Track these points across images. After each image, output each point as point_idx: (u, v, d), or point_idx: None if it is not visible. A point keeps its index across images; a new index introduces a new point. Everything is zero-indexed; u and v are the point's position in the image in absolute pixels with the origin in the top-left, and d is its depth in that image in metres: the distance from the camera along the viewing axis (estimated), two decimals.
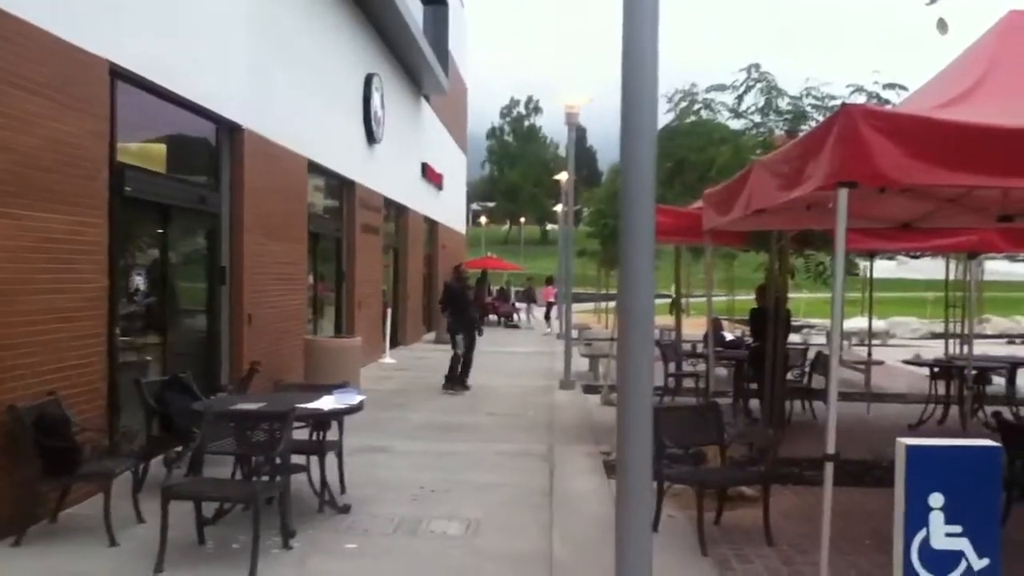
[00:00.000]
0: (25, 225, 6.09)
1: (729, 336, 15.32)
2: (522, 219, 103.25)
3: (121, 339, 7.75)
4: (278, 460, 5.89)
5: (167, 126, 9.22)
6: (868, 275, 14.32)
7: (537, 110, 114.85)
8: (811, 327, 21.46)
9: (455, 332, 13.95)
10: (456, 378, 13.81)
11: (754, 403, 10.73)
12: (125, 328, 7.95)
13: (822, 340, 18.97)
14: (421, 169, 23.25)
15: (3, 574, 5.30)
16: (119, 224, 7.46)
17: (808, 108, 10.15)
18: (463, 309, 14.15)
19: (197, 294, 9.95)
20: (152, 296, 8.70)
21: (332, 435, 7.03)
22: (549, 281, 33.73)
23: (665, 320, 16.81)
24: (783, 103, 10.33)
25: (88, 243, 6.93)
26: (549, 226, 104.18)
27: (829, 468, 4.42)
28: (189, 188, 9.52)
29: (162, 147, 9.19)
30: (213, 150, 10.14)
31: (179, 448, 7.10)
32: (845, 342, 16.89)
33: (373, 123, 16.87)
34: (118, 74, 7.44)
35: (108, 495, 5.88)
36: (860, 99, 9.48)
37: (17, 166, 6.00)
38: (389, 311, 19.00)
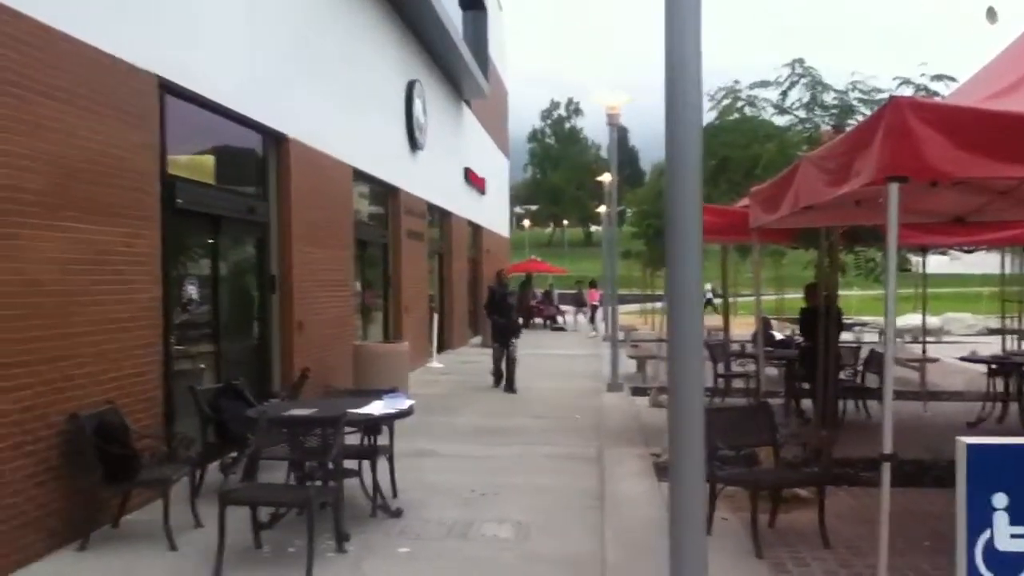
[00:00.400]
0: (80, 238, 6.25)
1: (779, 335, 15.12)
2: (565, 221, 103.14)
3: (175, 348, 7.90)
4: (331, 465, 5.96)
5: (214, 138, 9.39)
6: (921, 271, 14.03)
7: (577, 112, 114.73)
8: (863, 325, 21.08)
9: (495, 336, 14.72)
10: (500, 375, 14.47)
11: (806, 403, 10.58)
12: (179, 337, 8.10)
13: (875, 338, 18.62)
14: (463, 174, 23.36)
15: None
16: (171, 235, 7.61)
17: (854, 102, 9.99)
18: (504, 313, 14.73)
19: (248, 302, 10.12)
20: (204, 305, 8.86)
21: (382, 439, 7.09)
22: (593, 284, 33.63)
23: (712, 320, 16.63)
24: (828, 98, 10.18)
25: (141, 254, 7.08)
26: (592, 227, 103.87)
27: (886, 468, 4.34)
28: (238, 199, 9.68)
29: (210, 159, 9.36)
30: (260, 160, 10.31)
31: (234, 454, 7.23)
32: (899, 339, 16.57)
33: (415, 129, 17.00)
34: (167, 88, 7.59)
35: (167, 501, 6.01)
36: (908, 92, 9.30)
37: (71, 180, 6.15)
38: (436, 316, 19.11)
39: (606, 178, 27.16)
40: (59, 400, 5.95)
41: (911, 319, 19.28)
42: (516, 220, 72.62)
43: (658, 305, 26.36)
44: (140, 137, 7.11)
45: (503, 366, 14.43)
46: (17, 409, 5.54)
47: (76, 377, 6.17)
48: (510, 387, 14.15)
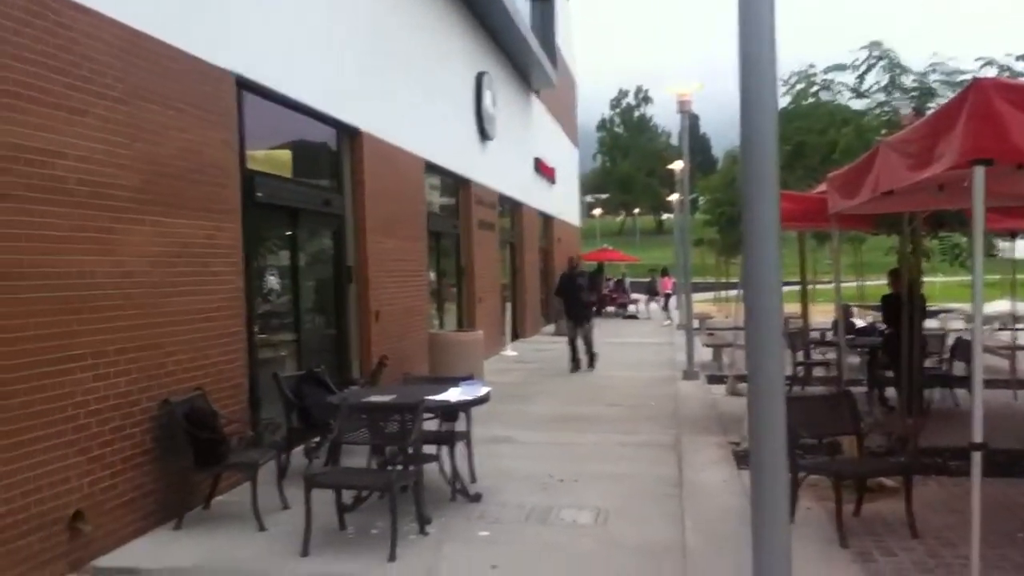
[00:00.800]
0: (167, 231, 6.48)
1: (860, 323, 14.76)
2: (636, 209, 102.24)
3: (258, 336, 8.12)
4: (410, 450, 6.07)
5: (291, 133, 9.59)
6: (1010, 256, 13.52)
7: (647, 100, 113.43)
8: (948, 312, 20.41)
9: (568, 319, 15.28)
10: (577, 360, 15.09)
11: (890, 391, 10.32)
12: (261, 326, 8.33)
13: (961, 325, 18.02)
14: (533, 164, 23.37)
15: (170, 555, 5.67)
16: (251, 228, 7.82)
17: (935, 85, 9.66)
18: (574, 297, 15.12)
19: (326, 292, 10.34)
20: (284, 295, 9.09)
21: (459, 426, 7.18)
22: (665, 272, 33.30)
23: (790, 308, 16.31)
24: (908, 80, 9.87)
25: (224, 247, 7.30)
26: (664, 215, 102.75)
27: (977, 458, 4.23)
28: (314, 191, 9.89)
29: (287, 153, 9.58)
30: (334, 154, 10.50)
31: (317, 439, 7.42)
32: (987, 327, 15.99)
33: (485, 121, 17.07)
34: (244, 85, 7.79)
35: (255, 483, 6.21)
36: (991, 73, 8.97)
37: (158, 176, 6.39)
38: (508, 305, 19.21)
39: (677, 166, 26.85)
40: (152, 387, 6.20)
41: (999, 305, 18.54)
42: (586, 209, 72.31)
43: (732, 293, 26.00)
44: (221, 134, 7.32)
45: (579, 350, 15.08)
46: (115, 395, 5.79)
47: (167, 365, 6.41)
48: (591, 363, 15.13)
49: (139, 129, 6.16)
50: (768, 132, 3.35)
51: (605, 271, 35.33)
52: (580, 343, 15.10)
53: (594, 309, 16.20)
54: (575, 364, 15.12)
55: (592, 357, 15.17)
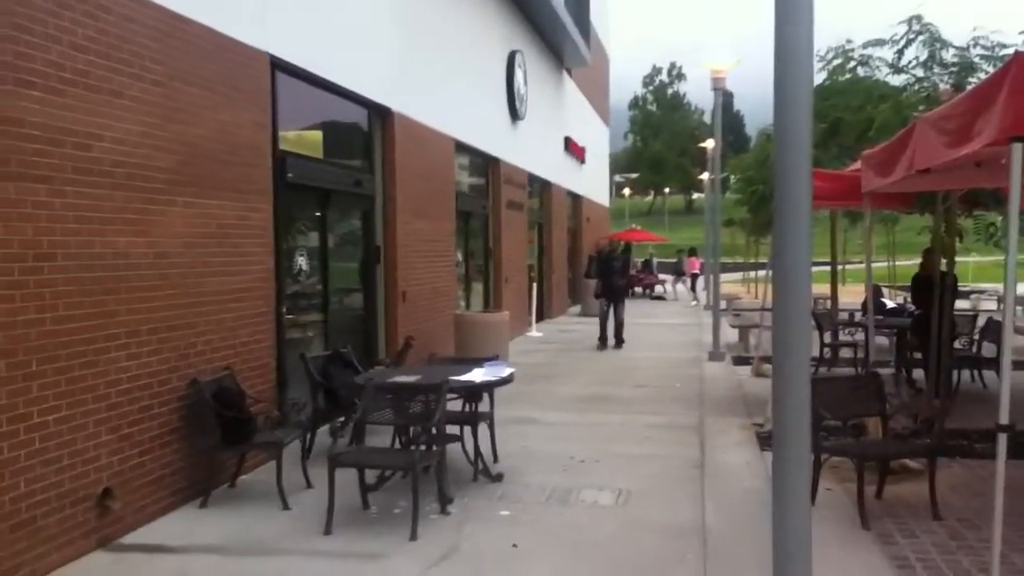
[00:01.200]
0: (200, 212, 6.57)
1: (890, 303, 14.60)
2: (666, 189, 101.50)
3: (286, 317, 8.21)
4: (434, 430, 6.13)
5: (322, 113, 9.65)
6: None
7: (680, 76, 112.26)
8: (980, 292, 20.11)
9: (603, 297, 15.86)
10: (605, 338, 15.71)
11: (918, 373, 10.22)
12: (289, 307, 8.42)
13: (992, 306, 17.75)
14: (564, 144, 23.27)
15: (196, 532, 5.80)
16: (282, 209, 7.89)
17: (976, 59, 9.45)
18: (609, 278, 15.78)
19: (354, 273, 10.42)
20: (313, 276, 9.18)
21: (483, 406, 7.23)
22: (692, 252, 33.07)
23: (819, 288, 16.16)
24: (948, 55, 9.67)
25: (255, 227, 7.38)
26: (694, 195, 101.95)
27: (1002, 439, 4.20)
28: (345, 172, 9.95)
29: (318, 134, 9.63)
30: (365, 134, 10.54)
31: (342, 419, 7.51)
32: (1019, 307, 15.73)
33: (516, 100, 17.02)
34: (277, 66, 7.84)
35: (280, 463, 6.31)
36: None
37: (192, 157, 6.47)
38: (535, 285, 19.23)
39: (709, 144, 26.58)
40: (182, 366, 6.31)
41: None
42: (616, 189, 71.91)
43: (761, 274, 25.76)
44: (254, 115, 7.38)
45: (609, 328, 15.71)
46: (146, 374, 5.91)
47: (197, 344, 6.52)
48: (619, 343, 15.64)
49: (174, 110, 6.24)
50: (802, 111, 3.31)
51: (632, 252, 35.12)
52: (611, 323, 15.71)
53: (626, 286, 17.11)
54: (602, 343, 15.69)
55: (620, 336, 15.71)
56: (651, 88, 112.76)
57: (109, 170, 5.56)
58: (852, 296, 17.89)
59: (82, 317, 5.31)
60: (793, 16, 3.29)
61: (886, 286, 19.78)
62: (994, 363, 10.27)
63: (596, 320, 16.14)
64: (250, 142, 7.31)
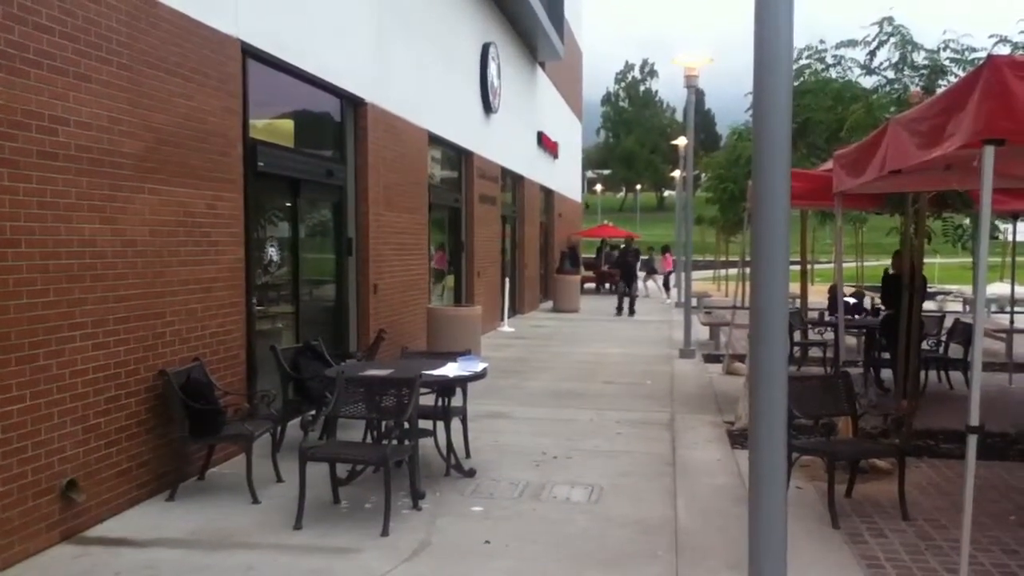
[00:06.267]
0: (168, 200, 6.44)
1: (852, 301, 14.75)
2: (638, 186, 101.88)
3: (256, 308, 8.10)
4: (406, 424, 6.08)
5: (294, 102, 9.53)
6: (1010, 238, 13.48)
7: (652, 74, 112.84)
8: (946, 294, 20.42)
9: (622, 281, 22.37)
10: (621, 307, 21.87)
11: (886, 373, 10.34)
12: (260, 297, 8.30)
13: (958, 307, 18.02)
14: (537, 138, 23.25)
15: (163, 526, 5.69)
16: (252, 198, 7.77)
17: (946, 62, 9.56)
18: (628, 267, 22.42)
19: (325, 265, 10.31)
20: (284, 267, 9.07)
21: (456, 401, 7.19)
22: (666, 249, 33.19)
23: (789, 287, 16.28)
24: (919, 58, 9.77)
25: (224, 216, 7.26)
26: (666, 192, 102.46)
27: (972, 441, 4.23)
28: (316, 162, 9.83)
29: (290, 123, 9.51)
30: (337, 124, 10.43)
31: (313, 412, 7.43)
32: (984, 309, 15.96)
33: (490, 93, 16.95)
34: (248, 53, 7.71)
35: (249, 455, 6.22)
36: (1005, 51, 8.86)
37: (159, 144, 6.34)
38: (507, 280, 19.20)
39: (681, 141, 26.68)
40: (149, 356, 6.20)
41: (997, 288, 18.54)
42: (588, 185, 72.07)
43: (732, 271, 25.92)
44: (224, 102, 7.26)
45: (625, 302, 21.88)
46: (113, 364, 5.79)
47: (165, 335, 6.40)
48: (631, 312, 21.76)
49: (142, 95, 6.10)
50: (781, 112, 3.32)
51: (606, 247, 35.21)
52: (626, 300, 21.92)
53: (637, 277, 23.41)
54: (619, 310, 21.74)
55: (633, 307, 21.97)
56: (623, 84, 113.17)
57: (75, 155, 5.44)
58: (820, 296, 18.06)
59: (47, 305, 5.19)
60: (772, 16, 3.29)
61: (852, 286, 20.00)
62: (961, 364, 10.42)
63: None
64: (220, 129, 7.19)
